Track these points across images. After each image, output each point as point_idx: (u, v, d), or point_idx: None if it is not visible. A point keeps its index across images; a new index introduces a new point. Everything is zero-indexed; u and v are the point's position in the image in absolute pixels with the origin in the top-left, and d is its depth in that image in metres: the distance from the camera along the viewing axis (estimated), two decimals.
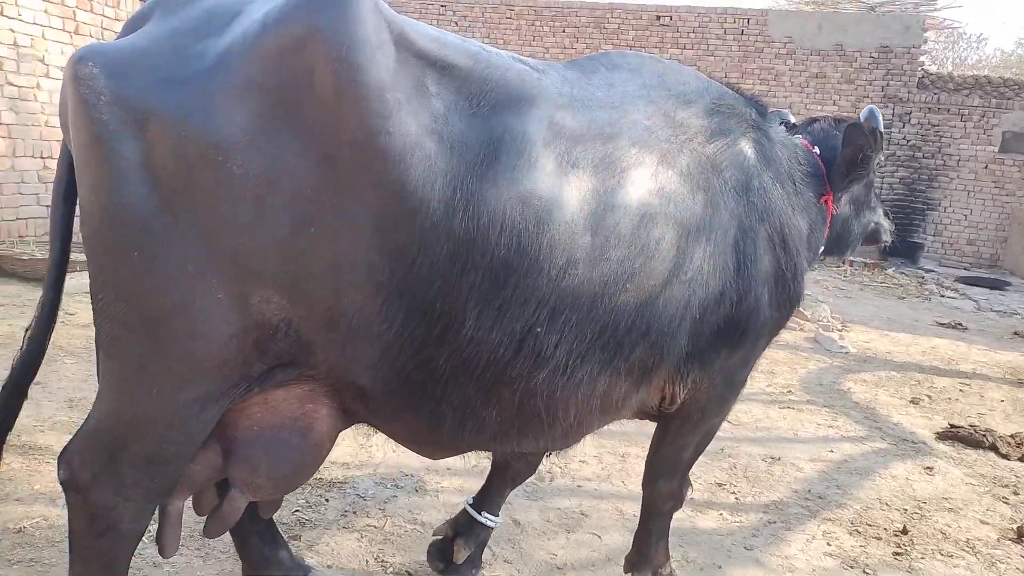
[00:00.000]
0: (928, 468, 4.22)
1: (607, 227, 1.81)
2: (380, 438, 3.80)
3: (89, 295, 1.61)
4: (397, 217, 1.57)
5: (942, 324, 8.99)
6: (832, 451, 4.38)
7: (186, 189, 1.47)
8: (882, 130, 2.59)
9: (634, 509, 3.29)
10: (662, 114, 2.08)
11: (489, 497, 2.80)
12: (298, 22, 1.47)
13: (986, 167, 14.68)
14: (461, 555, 2.70)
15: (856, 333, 7.96)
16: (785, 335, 6.94)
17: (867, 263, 13.30)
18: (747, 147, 2.23)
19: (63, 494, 2.97)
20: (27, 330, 1.86)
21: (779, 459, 4.16)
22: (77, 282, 6.25)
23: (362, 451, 3.69)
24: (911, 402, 5.55)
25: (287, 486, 1.93)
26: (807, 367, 6.31)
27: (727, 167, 2.13)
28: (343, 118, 1.49)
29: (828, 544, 3.27)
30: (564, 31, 17.03)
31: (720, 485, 3.77)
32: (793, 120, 2.81)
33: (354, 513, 3.10)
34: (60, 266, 1.82)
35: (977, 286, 12.37)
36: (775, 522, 3.42)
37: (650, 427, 2.56)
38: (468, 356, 1.73)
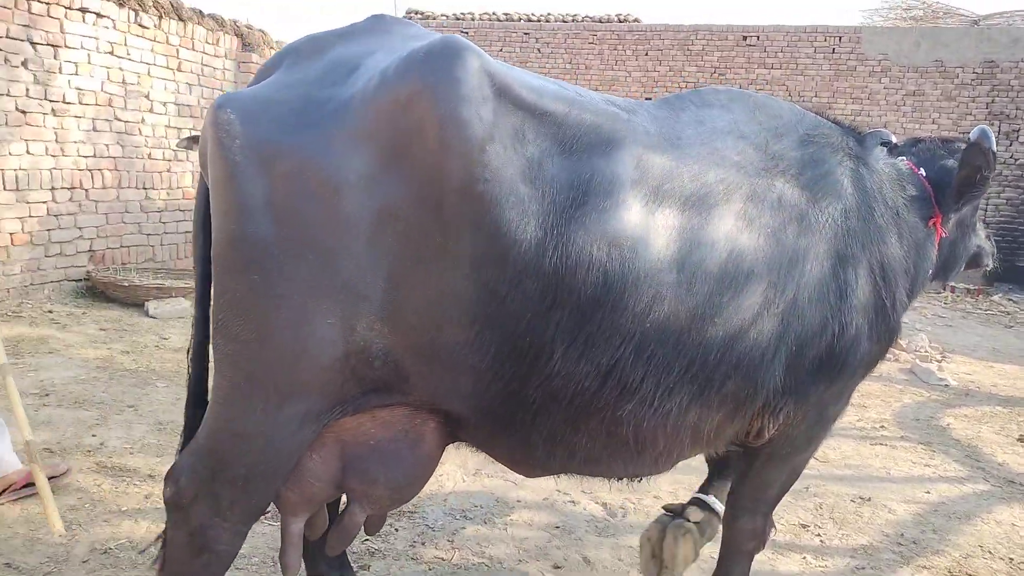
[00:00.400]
0: None
1: (693, 263, 1.85)
2: (450, 467, 3.81)
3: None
4: (492, 256, 1.67)
5: None
6: (928, 492, 4.11)
7: (305, 222, 1.62)
8: (995, 150, 2.48)
9: (710, 550, 3.17)
10: (753, 148, 2.09)
11: (714, 486, 2.83)
12: (411, 81, 1.60)
13: None
14: (697, 515, 2.71)
15: (957, 364, 7.50)
16: (879, 366, 6.60)
17: (970, 289, 12.57)
18: (843, 176, 2.20)
19: (147, 515, 3.08)
20: (188, 351, 2.01)
21: (869, 500, 3.93)
22: (173, 307, 6.57)
23: (433, 480, 3.69)
24: (1019, 440, 5.16)
25: (403, 497, 2.00)
26: (902, 400, 5.98)
27: (823, 197, 2.12)
28: (447, 168, 1.61)
29: None
30: (647, 54, 16.95)
31: (804, 526, 3.58)
32: (894, 139, 2.70)
33: (423, 544, 3.10)
34: (204, 283, 1.95)
35: None
36: (864, 568, 3.22)
37: None
38: (556, 387, 1.80)
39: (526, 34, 17.79)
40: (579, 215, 1.72)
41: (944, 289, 12.60)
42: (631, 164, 1.83)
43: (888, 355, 6.87)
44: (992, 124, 14.42)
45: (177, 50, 7.85)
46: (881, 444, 4.88)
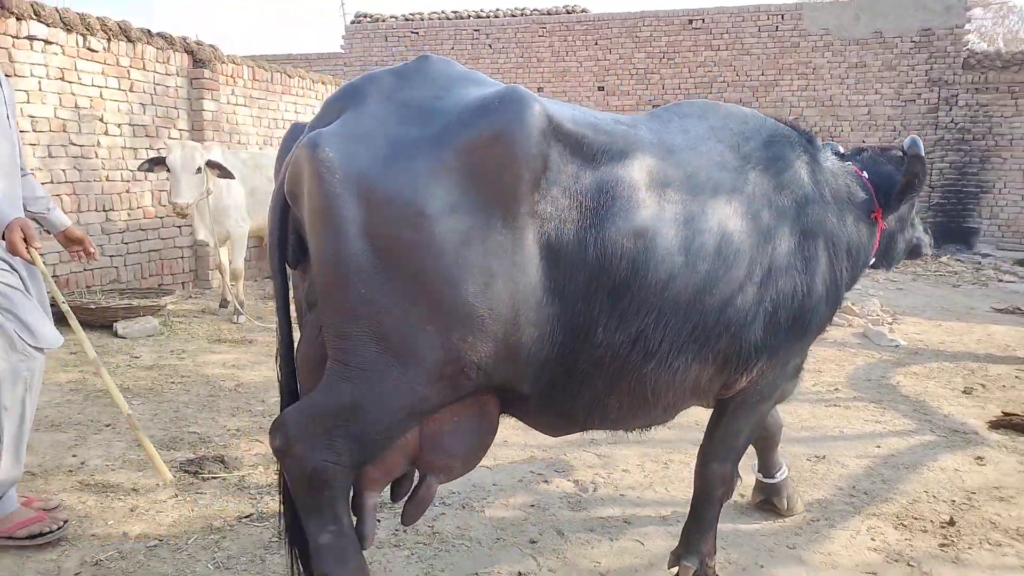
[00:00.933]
0: (979, 458, 4.18)
1: (695, 247, 2.27)
2: None
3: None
4: (551, 259, 2.04)
5: (999, 310, 8.77)
6: (879, 446, 4.36)
7: (399, 245, 1.89)
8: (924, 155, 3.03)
9: (677, 514, 3.38)
10: (729, 150, 2.53)
11: (767, 463, 3.47)
12: (490, 124, 1.94)
13: None
14: (784, 502, 3.46)
15: (907, 325, 7.83)
16: (833, 332, 6.91)
17: None
18: (801, 169, 2.66)
19: (134, 527, 3.19)
20: (276, 355, 2.28)
21: (824, 457, 4.17)
22: (142, 326, 6.63)
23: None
24: (963, 392, 5.47)
25: (472, 465, 2.28)
26: (855, 363, 6.26)
27: (786, 186, 2.58)
28: (518, 193, 1.96)
29: (872, 539, 3.29)
30: (596, 44, 17.16)
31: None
32: (843, 150, 3.20)
33: (404, 531, 3.25)
34: (284, 296, 2.22)
35: None
36: (818, 520, 3.45)
37: (693, 434, 2.64)
38: (598, 357, 2.18)
39: (476, 31, 17.90)
40: (610, 215, 2.11)
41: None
42: (642, 170, 2.23)
43: (841, 321, 7.30)
44: (932, 90, 14.90)
45: (128, 71, 7.85)
46: (835, 405, 5.14)
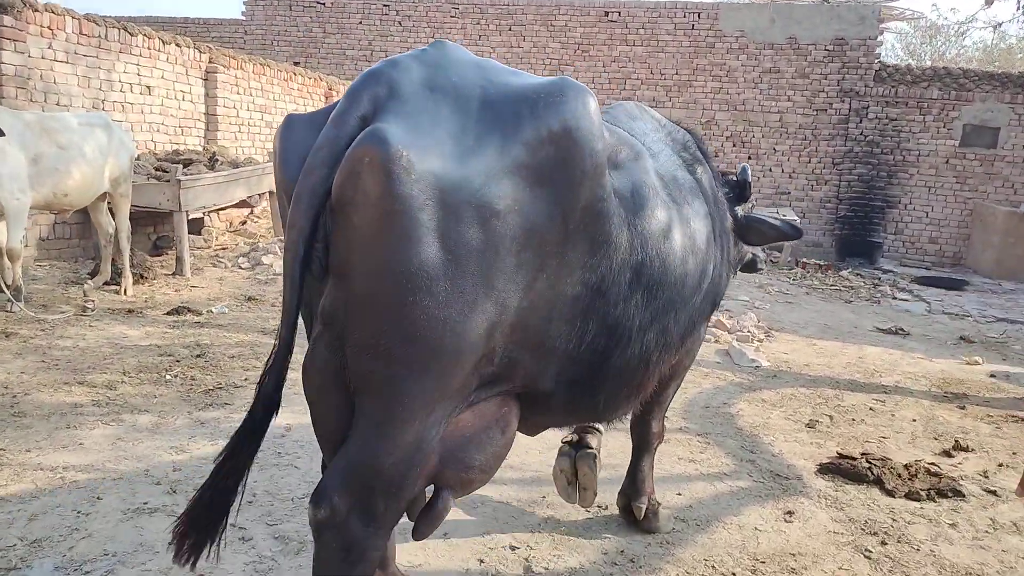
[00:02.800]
0: (789, 513, 3.52)
1: (688, 244, 2.39)
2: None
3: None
4: (598, 256, 2.02)
5: (882, 330, 8.31)
6: (680, 494, 3.68)
7: (469, 248, 1.75)
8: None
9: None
10: (675, 154, 2.71)
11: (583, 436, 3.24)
12: (557, 119, 1.85)
13: (947, 162, 14.05)
14: (595, 441, 3.22)
15: (779, 343, 7.27)
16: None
17: (820, 264, 12.63)
18: (704, 174, 2.85)
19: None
20: (267, 364, 1.93)
21: (606, 508, 3.46)
22: None
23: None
24: (807, 425, 4.86)
25: (489, 476, 2.14)
26: (702, 386, 5.62)
27: (704, 186, 2.76)
28: (582, 190, 1.92)
29: None
30: (510, 29, 16.45)
31: (514, 548, 3.05)
32: None
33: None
34: (296, 310, 1.87)
35: (934, 286, 11.69)
36: None
37: None
38: (631, 356, 2.21)
39: (386, 6, 17.02)
40: (644, 214, 2.17)
41: (796, 265, 12.63)
42: (652, 172, 2.33)
43: (709, 336, 6.94)
44: (843, 101, 14.60)
45: None
46: None
